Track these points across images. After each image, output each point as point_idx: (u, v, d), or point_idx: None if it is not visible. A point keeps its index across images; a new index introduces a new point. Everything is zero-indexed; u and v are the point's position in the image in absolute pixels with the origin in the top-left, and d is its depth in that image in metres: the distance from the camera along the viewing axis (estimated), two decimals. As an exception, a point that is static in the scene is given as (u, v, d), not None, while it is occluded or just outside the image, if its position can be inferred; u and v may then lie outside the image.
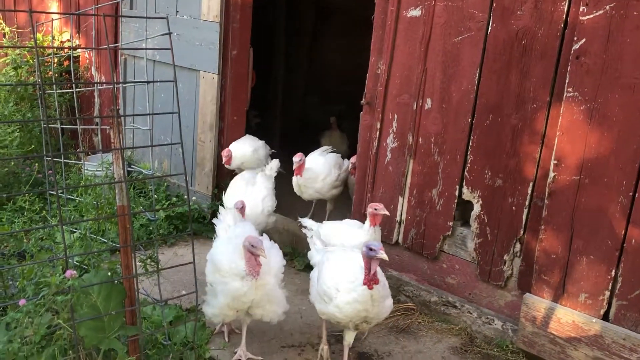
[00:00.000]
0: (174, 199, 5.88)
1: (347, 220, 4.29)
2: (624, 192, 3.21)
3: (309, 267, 4.38)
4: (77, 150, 6.18)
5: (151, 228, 5.09)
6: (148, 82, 2.95)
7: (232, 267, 3.27)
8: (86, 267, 3.56)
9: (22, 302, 2.66)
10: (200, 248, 4.83)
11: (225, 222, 3.98)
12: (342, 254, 3.49)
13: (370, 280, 3.10)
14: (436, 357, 3.75)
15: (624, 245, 3.25)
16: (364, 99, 4.54)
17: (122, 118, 3.25)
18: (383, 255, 3.05)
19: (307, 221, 4.31)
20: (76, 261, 3.62)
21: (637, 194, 3.17)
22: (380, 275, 3.22)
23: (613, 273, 3.31)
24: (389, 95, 4.36)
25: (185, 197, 5.19)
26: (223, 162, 5.44)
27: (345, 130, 7.28)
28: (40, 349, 2.70)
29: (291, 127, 8.92)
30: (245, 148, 5.53)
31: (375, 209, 3.83)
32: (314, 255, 3.81)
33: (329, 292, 3.26)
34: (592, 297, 3.40)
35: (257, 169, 5.38)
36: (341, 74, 8.22)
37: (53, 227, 4.10)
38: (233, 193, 4.85)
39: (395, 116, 4.34)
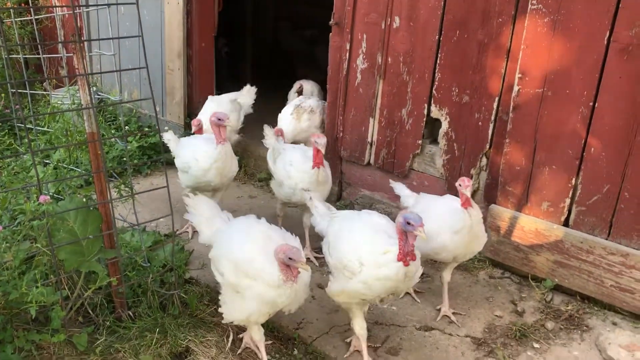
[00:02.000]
0: (146, 129, 5.87)
1: (448, 196, 3.55)
2: (585, 103, 3.30)
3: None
4: (42, 78, 6.05)
5: (125, 159, 5.10)
6: (110, 4, 2.90)
7: (263, 271, 2.73)
8: (62, 197, 3.59)
9: (-2, 228, 2.71)
10: (175, 175, 4.86)
11: (201, 215, 3.30)
12: (358, 219, 3.03)
13: (406, 255, 2.63)
14: (407, 269, 3.91)
15: (584, 154, 3.38)
16: (332, 19, 4.49)
17: (85, 44, 3.21)
18: (422, 234, 2.54)
19: (402, 189, 3.78)
20: (51, 192, 3.65)
21: (596, 104, 3.27)
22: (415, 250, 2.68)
23: (573, 181, 3.45)
24: (357, 14, 4.32)
25: (157, 127, 5.17)
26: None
27: (318, 59, 6.99)
28: (21, 274, 2.77)
29: (262, 54, 8.78)
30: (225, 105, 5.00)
31: (459, 185, 3.17)
32: (318, 222, 3.34)
33: (350, 265, 2.77)
34: (553, 205, 3.56)
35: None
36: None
37: (24, 158, 4.09)
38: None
39: (365, 36, 4.32)
